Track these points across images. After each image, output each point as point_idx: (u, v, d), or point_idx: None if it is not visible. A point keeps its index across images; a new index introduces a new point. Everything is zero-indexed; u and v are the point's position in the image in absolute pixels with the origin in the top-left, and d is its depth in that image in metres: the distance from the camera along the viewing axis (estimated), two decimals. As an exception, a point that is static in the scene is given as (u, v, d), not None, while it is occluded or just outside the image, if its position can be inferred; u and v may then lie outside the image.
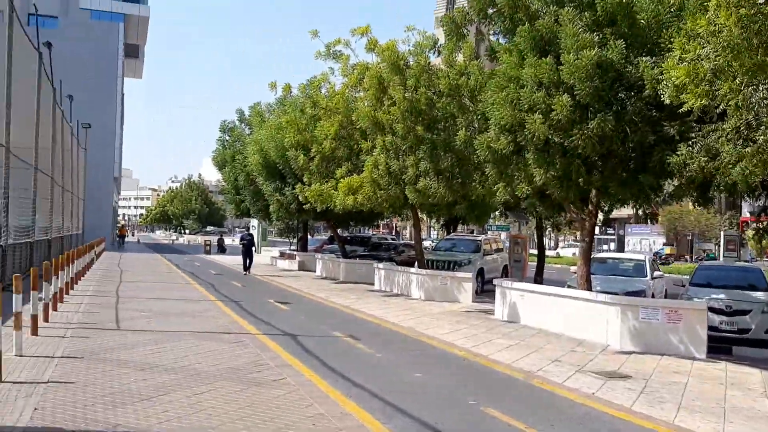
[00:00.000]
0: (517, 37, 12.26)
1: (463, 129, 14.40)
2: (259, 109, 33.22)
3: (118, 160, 63.76)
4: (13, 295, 8.02)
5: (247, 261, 27.54)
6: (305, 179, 22.15)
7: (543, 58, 11.51)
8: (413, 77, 15.69)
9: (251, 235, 29.87)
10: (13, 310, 7.99)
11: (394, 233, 71.34)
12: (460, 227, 31.64)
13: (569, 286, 15.44)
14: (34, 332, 9.63)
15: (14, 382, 6.89)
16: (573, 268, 20.31)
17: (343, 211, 20.16)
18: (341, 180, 19.40)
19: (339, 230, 32.20)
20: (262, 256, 40.85)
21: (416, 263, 21.08)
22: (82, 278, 19.92)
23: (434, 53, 16.35)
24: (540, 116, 11.26)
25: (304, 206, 23.14)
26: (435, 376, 8.83)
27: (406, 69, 16.17)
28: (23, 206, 19.50)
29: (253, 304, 16.27)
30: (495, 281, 16.18)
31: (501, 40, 14.67)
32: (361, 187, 18.69)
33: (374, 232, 56.83)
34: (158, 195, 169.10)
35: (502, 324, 14.37)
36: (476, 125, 14.51)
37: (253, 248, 29.10)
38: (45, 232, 23.86)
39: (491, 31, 14.99)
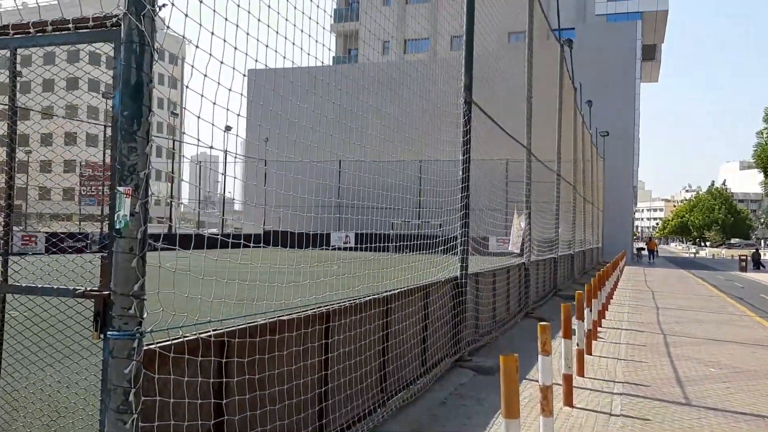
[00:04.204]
0: None
1: None
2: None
3: (635, 169, 60.42)
4: (540, 358, 4.93)
5: None
6: None
7: None
8: None
9: None
10: (540, 382, 4.89)
11: None
12: None
13: None
14: (568, 401, 6.47)
15: None
16: None
17: None
18: None
19: None
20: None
21: None
22: (610, 301, 16.79)
23: None
24: None
25: None
26: None
27: None
28: (545, 218, 17.66)
29: None
30: None
31: None
32: None
33: None
34: (673, 205, 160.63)
35: None
36: None
37: None
38: (568, 245, 21.91)
39: None
